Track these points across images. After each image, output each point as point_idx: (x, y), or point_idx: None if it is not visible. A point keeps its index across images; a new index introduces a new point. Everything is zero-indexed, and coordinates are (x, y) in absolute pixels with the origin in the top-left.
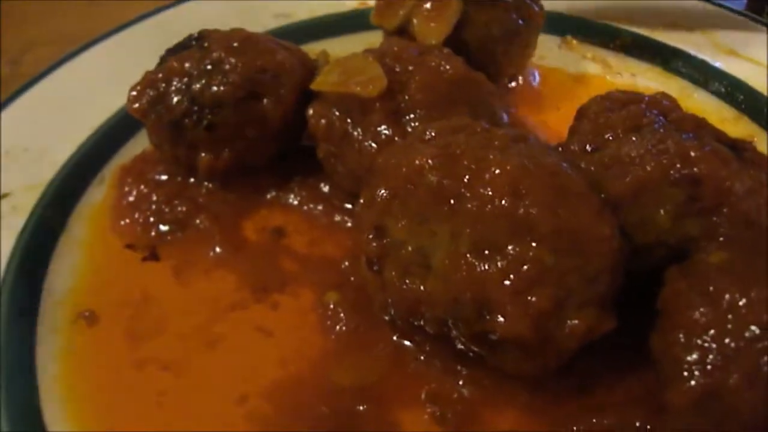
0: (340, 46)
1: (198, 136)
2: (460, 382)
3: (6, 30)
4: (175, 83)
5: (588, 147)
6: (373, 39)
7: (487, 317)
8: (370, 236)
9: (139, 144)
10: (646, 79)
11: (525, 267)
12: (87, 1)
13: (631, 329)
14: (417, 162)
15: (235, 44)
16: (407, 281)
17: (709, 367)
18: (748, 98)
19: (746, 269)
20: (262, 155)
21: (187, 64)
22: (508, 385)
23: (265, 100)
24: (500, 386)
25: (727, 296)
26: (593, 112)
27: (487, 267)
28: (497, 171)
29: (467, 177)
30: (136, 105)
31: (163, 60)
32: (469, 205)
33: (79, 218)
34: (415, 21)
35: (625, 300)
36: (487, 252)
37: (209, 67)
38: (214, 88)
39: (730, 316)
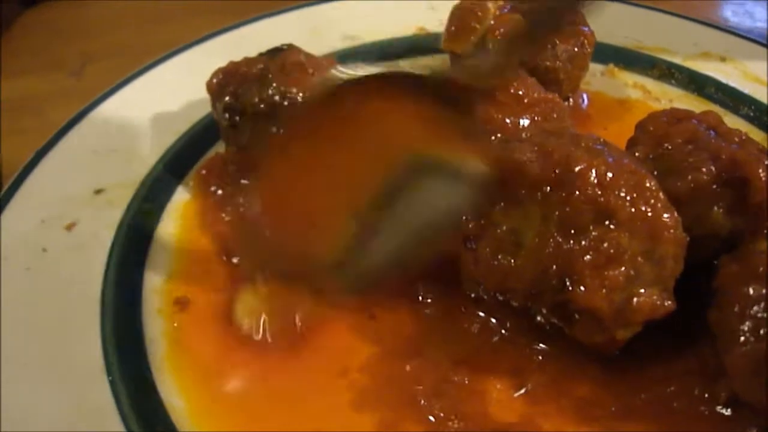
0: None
1: (227, 129)
2: (540, 357)
3: (66, 43)
4: (238, 79)
5: (650, 155)
6: (436, 63)
7: (570, 288)
8: (469, 218)
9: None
10: (682, 104)
11: (604, 245)
12: (145, 19)
13: (682, 314)
14: (516, 156)
15: (288, 64)
16: (499, 257)
17: (761, 332)
18: None
19: None
20: None
21: (255, 68)
22: (583, 361)
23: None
24: (575, 361)
25: None
26: (652, 126)
27: (572, 244)
28: (585, 165)
29: (558, 170)
30: (214, 80)
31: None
32: (562, 192)
33: (171, 214)
34: (490, 46)
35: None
36: (572, 232)
37: (261, 76)
38: (249, 97)
39: None
